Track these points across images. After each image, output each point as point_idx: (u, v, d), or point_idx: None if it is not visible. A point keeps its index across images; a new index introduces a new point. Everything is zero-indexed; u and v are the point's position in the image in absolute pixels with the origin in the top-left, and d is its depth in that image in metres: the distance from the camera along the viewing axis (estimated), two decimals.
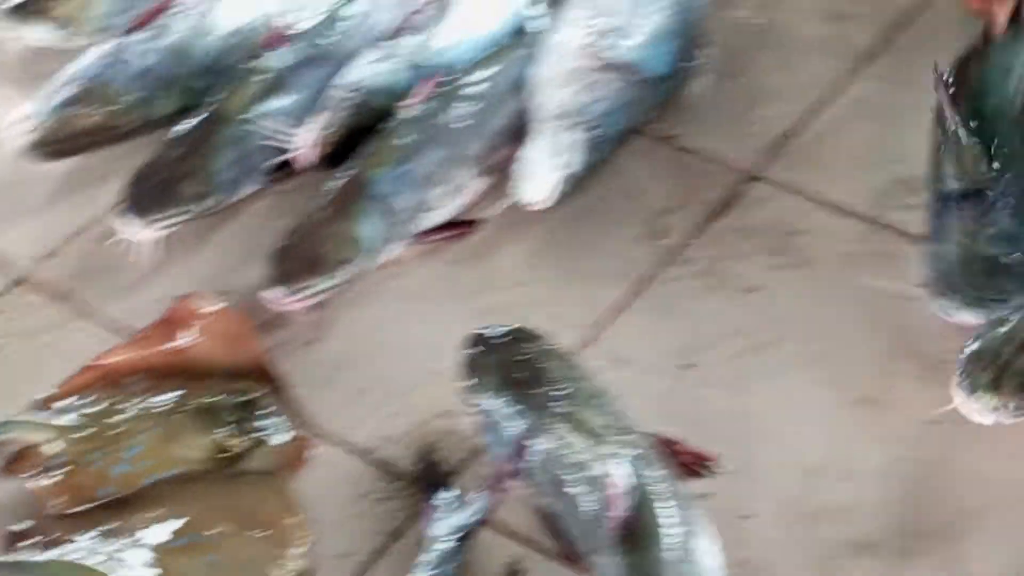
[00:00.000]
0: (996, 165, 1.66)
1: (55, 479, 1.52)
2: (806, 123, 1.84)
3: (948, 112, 1.69)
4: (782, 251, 1.72)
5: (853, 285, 1.68)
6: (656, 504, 1.37)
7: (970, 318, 1.57)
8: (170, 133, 1.77)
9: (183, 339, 1.61)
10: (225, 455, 1.53)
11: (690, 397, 1.59)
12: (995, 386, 1.45)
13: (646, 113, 1.83)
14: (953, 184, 1.65)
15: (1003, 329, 1.50)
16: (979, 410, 1.45)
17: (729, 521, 1.45)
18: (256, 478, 1.53)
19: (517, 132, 1.78)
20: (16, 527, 1.48)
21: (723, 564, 1.36)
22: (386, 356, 1.64)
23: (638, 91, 1.79)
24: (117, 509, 1.49)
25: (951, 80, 1.74)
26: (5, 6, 1.92)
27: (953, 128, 1.69)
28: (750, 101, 1.87)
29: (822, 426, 1.57)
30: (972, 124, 1.69)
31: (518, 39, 1.88)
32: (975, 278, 1.59)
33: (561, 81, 1.78)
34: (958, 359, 1.48)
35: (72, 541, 1.45)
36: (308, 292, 1.63)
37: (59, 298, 1.71)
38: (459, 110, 1.76)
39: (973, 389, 1.45)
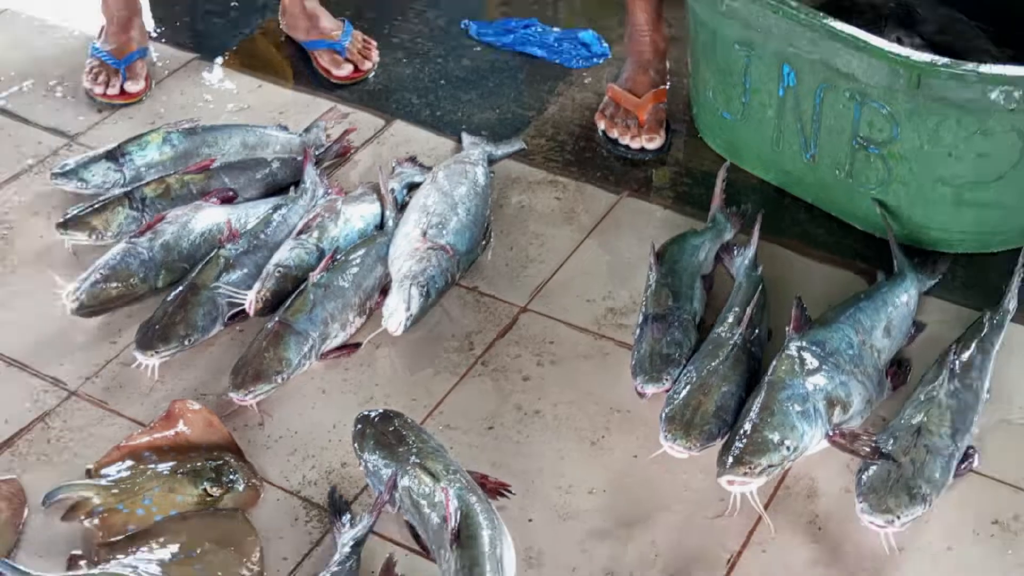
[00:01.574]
0: (674, 302, 1.69)
1: (97, 521, 1.47)
2: (554, 275, 1.85)
3: (654, 268, 1.74)
4: (542, 355, 1.72)
5: (586, 374, 1.70)
6: (476, 515, 1.37)
7: (653, 389, 1.60)
8: (165, 297, 1.72)
9: (178, 428, 1.57)
10: (208, 499, 1.49)
11: (492, 448, 1.59)
12: (687, 436, 1.48)
13: (458, 274, 1.82)
14: (651, 310, 1.69)
15: (681, 398, 1.53)
16: (678, 451, 1.49)
17: (519, 523, 1.48)
18: (227, 513, 1.49)
19: (382, 288, 1.77)
20: (75, 552, 1.45)
21: (516, 551, 1.38)
22: (306, 430, 1.61)
23: (452, 261, 1.78)
24: (137, 539, 1.45)
25: (660, 251, 1.79)
26: (58, 220, 1.85)
27: (655, 278, 1.73)
28: (520, 263, 1.87)
29: (572, 461, 1.58)
30: (667, 277, 1.73)
31: (380, 230, 1.88)
32: (657, 366, 1.62)
33: (407, 256, 1.76)
34: (660, 420, 1.51)
35: (109, 561, 1.41)
36: (256, 394, 1.60)
37: (98, 404, 1.64)
38: (346, 276, 1.73)
39: (674, 439, 1.48)
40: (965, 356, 1.60)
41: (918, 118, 1.73)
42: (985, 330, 1.66)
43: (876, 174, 1.82)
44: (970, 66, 1.65)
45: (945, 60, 1.66)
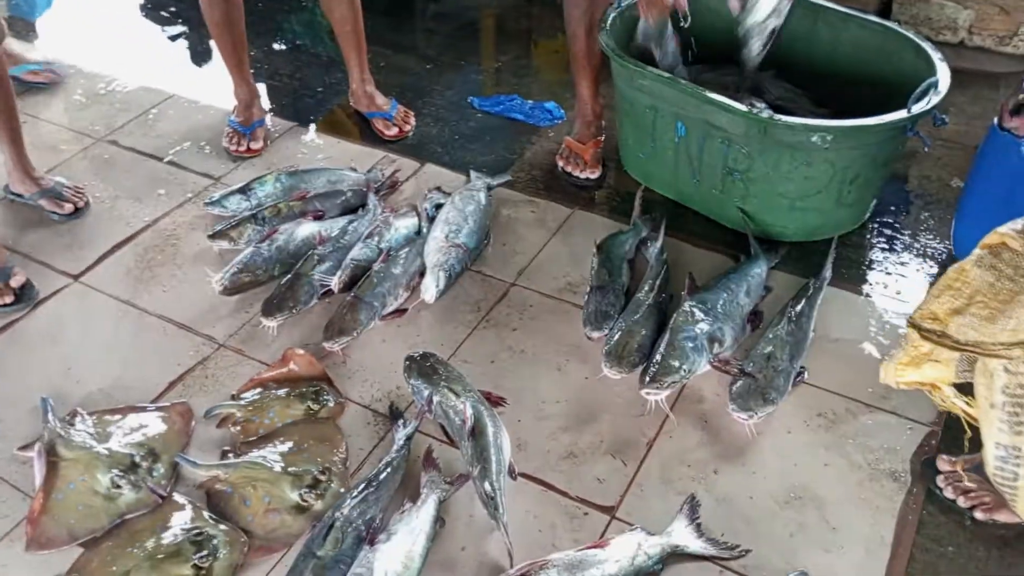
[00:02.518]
0: (609, 277, 1.67)
1: (238, 427, 1.46)
2: (531, 262, 1.81)
3: (596, 256, 1.71)
4: (523, 312, 1.70)
5: (553, 325, 1.67)
6: (484, 418, 1.36)
7: (596, 334, 1.58)
8: (279, 282, 1.69)
9: (290, 367, 1.55)
10: (310, 412, 1.48)
11: (493, 374, 1.57)
12: (619, 365, 1.47)
13: (469, 263, 1.78)
14: (594, 283, 1.67)
15: (615, 340, 1.51)
16: (614, 375, 1.47)
17: (511, 423, 1.47)
18: (324, 421, 1.48)
19: (420, 272, 1.74)
20: (225, 448, 1.44)
21: (510, 441, 1.36)
22: (373, 366, 1.59)
23: (466, 255, 1.75)
24: (265, 439, 1.43)
25: (600, 244, 1.76)
26: (209, 233, 1.83)
27: (597, 262, 1.70)
28: (509, 254, 1.84)
29: (545, 382, 1.56)
30: (604, 262, 1.71)
31: (418, 235, 1.84)
32: (599, 319, 1.60)
33: (435, 251, 1.73)
34: (602, 353, 1.50)
35: (247, 454, 1.40)
36: (340, 343, 1.58)
37: (236, 352, 1.62)
38: (397, 265, 1.71)
39: (611, 366, 1.47)
40: (798, 308, 1.59)
41: (765, 154, 1.70)
42: (811, 291, 1.64)
43: (739, 191, 1.80)
44: (798, 120, 1.63)
45: (781, 116, 1.64)
